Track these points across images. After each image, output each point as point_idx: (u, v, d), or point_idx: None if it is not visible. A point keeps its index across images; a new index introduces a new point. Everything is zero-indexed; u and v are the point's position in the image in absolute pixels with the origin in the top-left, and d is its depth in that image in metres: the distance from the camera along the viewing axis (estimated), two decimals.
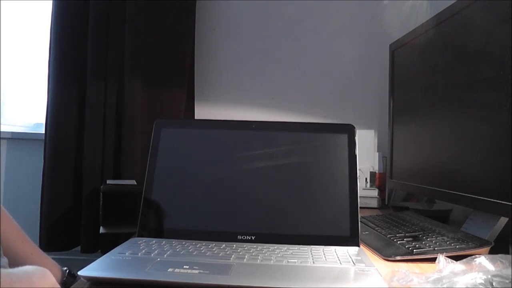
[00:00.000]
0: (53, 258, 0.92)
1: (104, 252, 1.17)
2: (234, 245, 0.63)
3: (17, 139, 1.62)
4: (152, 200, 0.70)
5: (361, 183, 1.29)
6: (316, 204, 0.68)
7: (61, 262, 0.94)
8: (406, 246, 0.67)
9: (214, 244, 0.63)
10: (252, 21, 1.58)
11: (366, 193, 1.25)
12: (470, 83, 0.77)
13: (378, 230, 0.82)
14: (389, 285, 0.47)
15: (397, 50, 1.14)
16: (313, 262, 0.55)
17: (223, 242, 0.64)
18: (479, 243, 0.66)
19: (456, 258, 0.53)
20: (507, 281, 0.43)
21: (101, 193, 1.25)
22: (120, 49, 1.44)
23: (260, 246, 0.63)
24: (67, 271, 0.93)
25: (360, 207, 0.71)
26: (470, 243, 0.66)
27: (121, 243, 0.63)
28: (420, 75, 1.00)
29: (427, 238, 0.71)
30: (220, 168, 0.72)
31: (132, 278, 0.48)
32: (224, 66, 1.59)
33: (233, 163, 0.72)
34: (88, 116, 1.43)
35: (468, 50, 0.78)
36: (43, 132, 1.47)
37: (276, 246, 0.63)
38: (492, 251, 0.64)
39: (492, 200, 0.68)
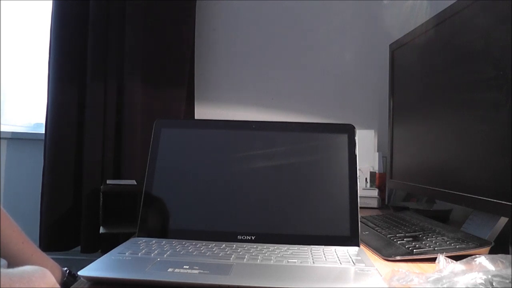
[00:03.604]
0: (53, 258, 0.92)
1: (104, 252, 1.17)
2: (234, 245, 0.63)
3: (17, 139, 1.62)
4: (152, 200, 0.70)
5: (361, 183, 1.29)
6: (316, 204, 0.68)
7: (61, 262, 0.94)
8: (406, 246, 0.67)
9: (214, 244, 0.63)
10: (252, 21, 1.58)
11: (366, 193, 1.25)
12: (470, 83, 0.77)
13: (378, 230, 0.82)
14: (389, 285, 0.47)
15: (397, 50, 1.14)
16: (313, 262, 0.55)
17: (223, 242, 0.64)
18: (479, 243, 0.66)
19: (456, 258, 0.53)
20: (507, 281, 0.43)
21: (101, 193, 1.25)
22: (120, 49, 1.44)
23: (260, 246, 0.63)
24: (68, 271, 0.93)
25: (360, 207, 0.71)
26: (470, 243, 0.66)
27: (121, 243, 0.63)
28: (420, 75, 1.00)
29: (427, 238, 0.71)
30: (220, 168, 0.72)
31: (132, 278, 0.48)
32: (224, 66, 1.59)
33: (233, 163, 0.72)
34: (88, 116, 1.43)
35: (468, 50, 0.78)
36: (43, 132, 1.47)
37: (276, 246, 0.63)
38: (492, 251, 0.64)
39: (492, 200, 0.68)
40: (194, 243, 0.63)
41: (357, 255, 0.60)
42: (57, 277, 0.88)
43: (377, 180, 1.30)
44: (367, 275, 0.51)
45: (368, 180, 1.30)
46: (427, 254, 0.63)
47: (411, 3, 1.49)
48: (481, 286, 0.42)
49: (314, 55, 1.57)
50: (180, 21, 1.49)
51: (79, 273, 0.49)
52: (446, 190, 0.83)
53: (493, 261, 0.47)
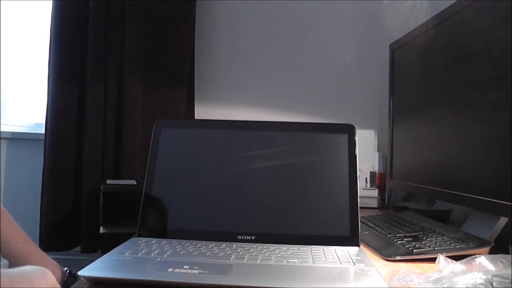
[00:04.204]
0: (53, 258, 0.92)
1: (104, 252, 1.17)
2: (234, 245, 0.63)
3: (17, 139, 1.62)
4: (152, 200, 0.70)
5: (361, 183, 1.29)
6: (316, 204, 0.68)
7: (61, 262, 0.94)
8: (406, 246, 0.67)
9: (214, 244, 0.63)
10: (252, 21, 1.59)
11: (366, 193, 1.25)
12: (470, 83, 0.77)
13: (378, 230, 0.82)
14: (389, 285, 0.47)
15: (397, 50, 1.14)
16: (313, 262, 0.55)
17: (223, 242, 0.64)
18: (479, 243, 0.66)
19: (456, 258, 0.53)
20: (507, 281, 0.43)
21: (101, 193, 1.25)
22: (120, 49, 1.44)
23: (260, 246, 0.63)
24: (68, 271, 0.93)
25: (360, 207, 0.71)
26: (470, 243, 0.66)
27: (121, 243, 0.63)
28: (420, 75, 1.00)
29: (427, 238, 0.71)
30: (220, 168, 0.72)
31: (132, 278, 0.48)
32: (224, 66, 1.59)
33: (233, 163, 0.72)
34: (88, 116, 1.43)
35: (468, 50, 0.78)
36: (43, 132, 1.47)
37: (276, 246, 0.63)
38: (492, 251, 0.64)
39: (492, 200, 0.68)
40: (194, 243, 0.63)
41: (357, 255, 0.60)
42: (57, 277, 0.88)
43: (377, 180, 1.30)
44: (367, 275, 0.51)
45: (368, 180, 1.30)
46: (427, 254, 0.63)
47: (411, 3, 1.49)
48: (481, 286, 0.42)
49: (314, 55, 1.57)
50: (180, 21, 1.49)
51: (79, 273, 0.49)
52: (446, 190, 0.83)
53: (493, 261, 0.47)
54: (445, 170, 0.85)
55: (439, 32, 0.90)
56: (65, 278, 0.92)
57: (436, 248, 0.64)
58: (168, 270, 0.50)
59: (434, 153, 0.90)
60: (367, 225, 0.88)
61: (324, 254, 0.59)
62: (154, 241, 0.64)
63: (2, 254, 0.83)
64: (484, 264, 0.47)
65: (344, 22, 1.56)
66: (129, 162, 1.43)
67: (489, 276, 0.43)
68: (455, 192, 0.79)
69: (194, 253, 0.58)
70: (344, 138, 0.72)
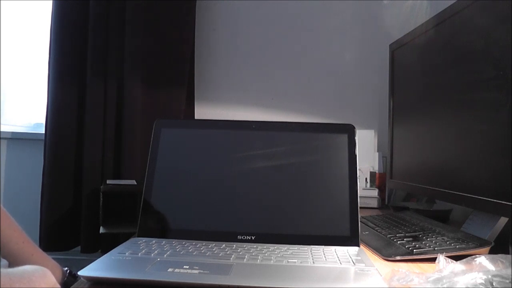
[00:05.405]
0: (53, 258, 0.92)
1: (104, 252, 1.17)
2: (234, 245, 0.63)
3: (17, 139, 1.62)
4: (152, 200, 0.70)
5: (361, 183, 1.29)
6: (316, 204, 0.68)
7: (61, 262, 0.94)
8: (406, 246, 0.67)
9: (214, 244, 0.63)
10: (252, 21, 1.59)
11: (366, 193, 1.25)
12: (470, 83, 0.77)
13: (378, 230, 0.82)
14: (389, 285, 0.47)
15: (397, 50, 1.14)
16: (313, 262, 0.55)
17: (223, 242, 0.64)
18: (479, 243, 0.66)
19: (456, 258, 0.53)
20: (507, 281, 0.43)
21: (101, 193, 1.25)
22: (120, 49, 1.44)
23: (260, 246, 0.63)
24: (68, 271, 0.93)
25: (360, 207, 0.71)
26: (470, 243, 0.66)
27: (121, 243, 0.63)
28: (420, 75, 1.00)
29: (427, 238, 0.71)
30: (220, 168, 0.72)
31: (132, 278, 0.48)
32: (224, 66, 1.59)
33: (233, 163, 0.72)
34: (88, 116, 1.43)
35: (468, 50, 0.78)
36: (43, 132, 1.47)
37: (276, 246, 0.63)
38: (492, 251, 0.64)
39: (492, 200, 0.68)
40: (194, 243, 0.63)
41: (357, 255, 0.60)
42: (57, 277, 0.88)
43: (377, 180, 1.30)
44: (367, 275, 0.51)
45: (368, 180, 1.30)
46: (427, 254, 0.63)
47: (411, 3, 1.49)
48: (481, 286, 0.42)
49: (314, 55, 1.57)
50: (180, 21, 1.49)
51: (79, 273, 0.49)
52: (446, 190, 0.83)
53: (493, 261, 0.47)
54: (445, 170, 0.85)
55: (439, 32, 0.90)
56: (65, 278, 0.92)
57: (436, 248, 0.64)
58: (168, 270, 0.50)
59: (434, 153, 0.90)
60: (367, 225, 0.88)
61: (324, 254, 0.59)
62: (154, 241, 0.64)
63: (2, 254, 0.83)
64: (484, 264, 0.47)
65: (344, 22, 1.56)
66: (129, 162, 1.43)
67: (489, 276, 0.43)
68: (455, 192, 0.79)
69: (194, 253, 0.58)
70: (344, 138, 0.72)
